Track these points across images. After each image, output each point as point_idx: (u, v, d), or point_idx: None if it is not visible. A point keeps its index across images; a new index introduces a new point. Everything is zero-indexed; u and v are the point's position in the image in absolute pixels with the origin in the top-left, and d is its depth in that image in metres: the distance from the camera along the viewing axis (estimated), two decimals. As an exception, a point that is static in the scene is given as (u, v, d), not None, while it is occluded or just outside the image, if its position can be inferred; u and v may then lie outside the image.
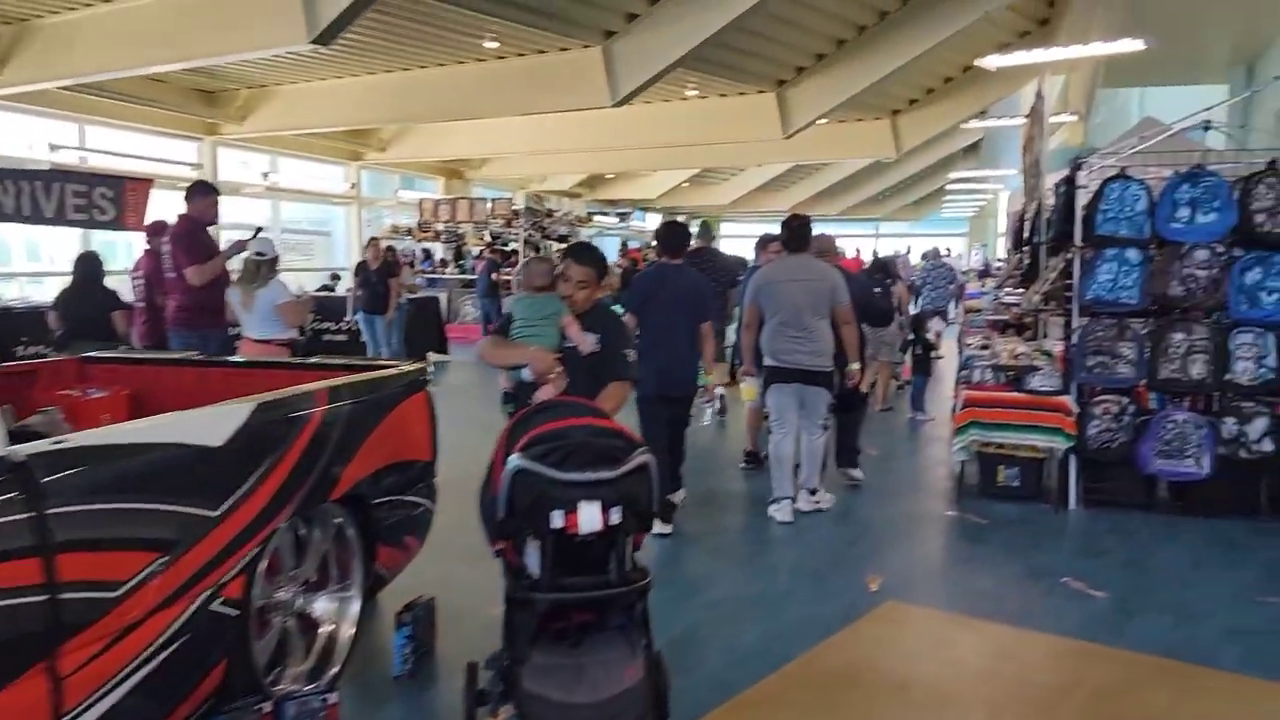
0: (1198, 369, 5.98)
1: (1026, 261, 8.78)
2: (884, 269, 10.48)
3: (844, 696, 3.61)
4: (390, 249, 11.81)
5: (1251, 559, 5.30)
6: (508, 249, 17.69)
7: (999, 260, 22.76)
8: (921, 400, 9.70)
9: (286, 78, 13.33)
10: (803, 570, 5.15)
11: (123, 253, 12.28)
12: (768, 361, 6.04)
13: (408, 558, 4.09)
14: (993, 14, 11.43)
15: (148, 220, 7.25)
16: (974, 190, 30.14)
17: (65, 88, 11.75)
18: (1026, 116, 10.27)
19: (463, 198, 18.81)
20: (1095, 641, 4.11)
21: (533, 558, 2.78)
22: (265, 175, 16.82)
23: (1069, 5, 12.23)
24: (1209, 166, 6.02)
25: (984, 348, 7.54)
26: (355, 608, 3.67)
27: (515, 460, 2.72)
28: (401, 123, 15.99)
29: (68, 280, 7.61)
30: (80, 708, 2.38)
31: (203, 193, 6.51)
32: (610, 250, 24.26)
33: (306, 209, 19.80)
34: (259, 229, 6.63)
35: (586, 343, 3.81)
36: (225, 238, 7.68)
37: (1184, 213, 5.95)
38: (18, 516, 2.23)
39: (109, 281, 7.73)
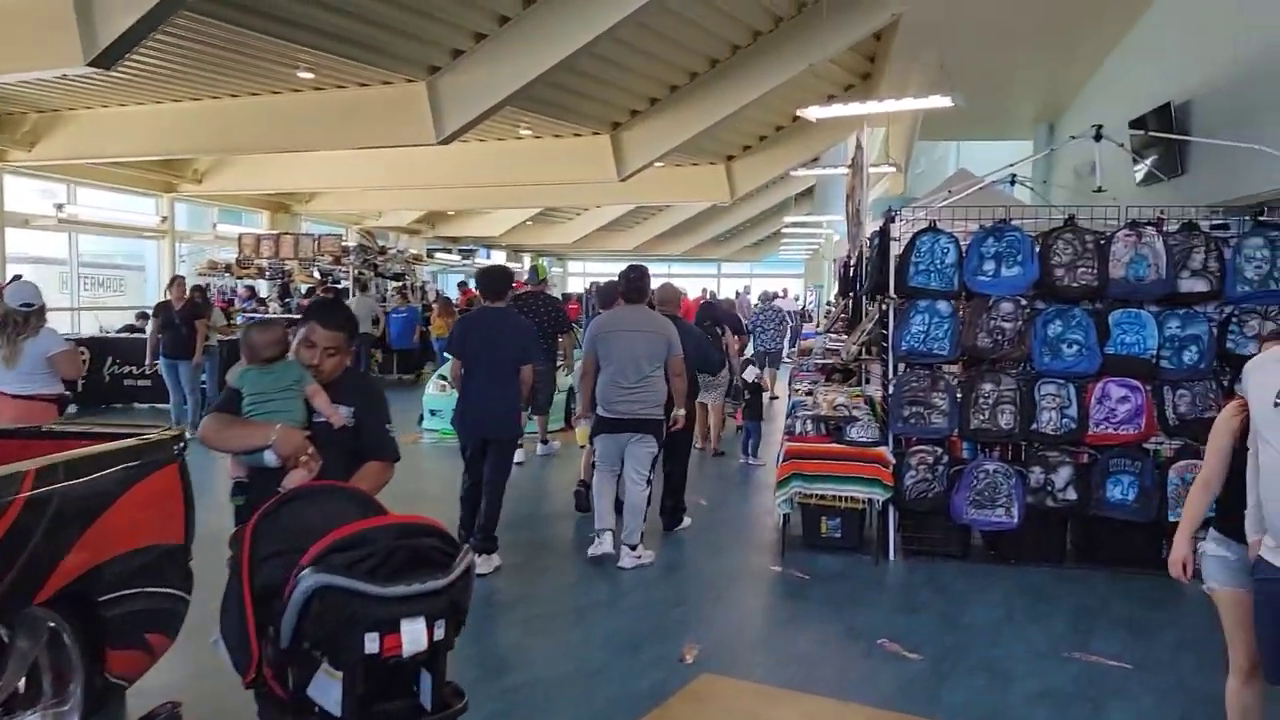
0: (1006, 419, 6.09)
1: (850, 307, 8.94)
2: (711, 314, 10.54)
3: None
4: (199, 288, 10.90)
5: (1058, 609, 5.36)
6: (340, 286, 16.88)
7: (827, 303, 23.54)
8: (751, 445, 9.67)
9: (80, 102, 12.25)
10: (619, 640, 4.84)
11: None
12: (600, 411, 6.04)
13: (151, 659, 3.53)
14: (819, 67, 11.74)
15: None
16: (809, 234, 31.20)
17: None
18: (848, 166, 10.54)
19: (287, 233, 17.83)
20: (910, 712, 3.98)
21: (327, 691, 2.30)
22: (59, 207, 15.42)
23: (887, 62, 12.72)
24: (1015, 220, 6.19)
25: (809, 394, 7.55)
26: (74, 727, 3.10)
27: (312, 578, 2.25)
28: (212, 153, 15.02)
29: None
30: None
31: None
32: (450, 289, 23.71)
33: (121, 243, 18.35)
34: (16, 276, 5.90)
35: (339, 416, 3.22)
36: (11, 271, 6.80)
37: (990, 266, 6.08)
38: None
39: None
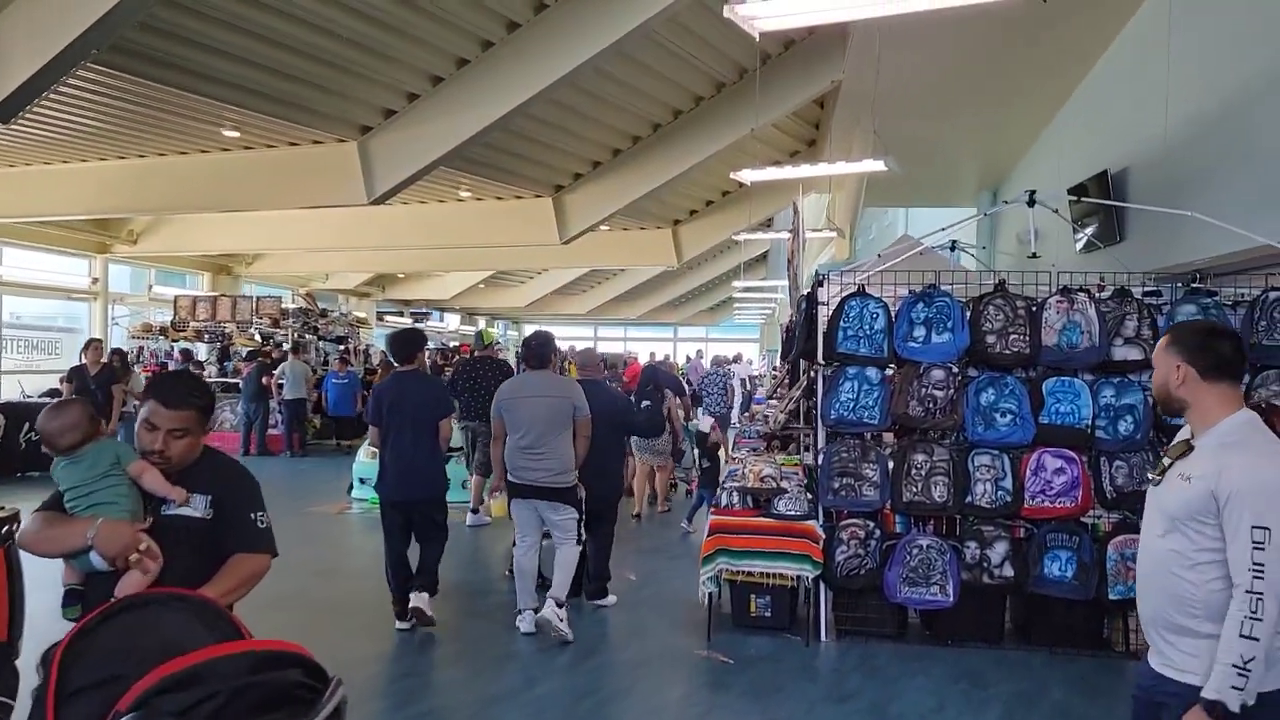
0: (939, 491, 5.84)
1: (790, 372, 8.72)
2: (654, 378, 10.35)
3: None
4: (118, 351, 10.44)
5: (995, 697, 5.04)
6: (283, 348, 16.44)
7: (774, 367, 23.45)
8: (693, 513, 9.36)
9: (3, 160, 11.86)
10: (518, 738, 4.44)
11: None
12: (509, 477, 5.95)
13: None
14: (764, 134, 11.74)
15: None
16: (763, 299, 31.32)
17: None
18: (790, 231, 10.43)
19: (225, 295, 17.38)
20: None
21: None
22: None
23: (830, 130, 12.77)
24: (948, 286, 6.01)
25: (740, 462, 7.25)
26: None
27: None
28: (139, 213, 14.60)
29: None
30: None
31: None
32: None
33: (63, 305, 17.80)
34: None
35: (180, 495, 2.75)
36: None
37: (920, 332, 5.89)
38: None
39: None
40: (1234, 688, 2.24)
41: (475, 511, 9.54)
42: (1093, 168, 8.95)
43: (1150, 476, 2.59)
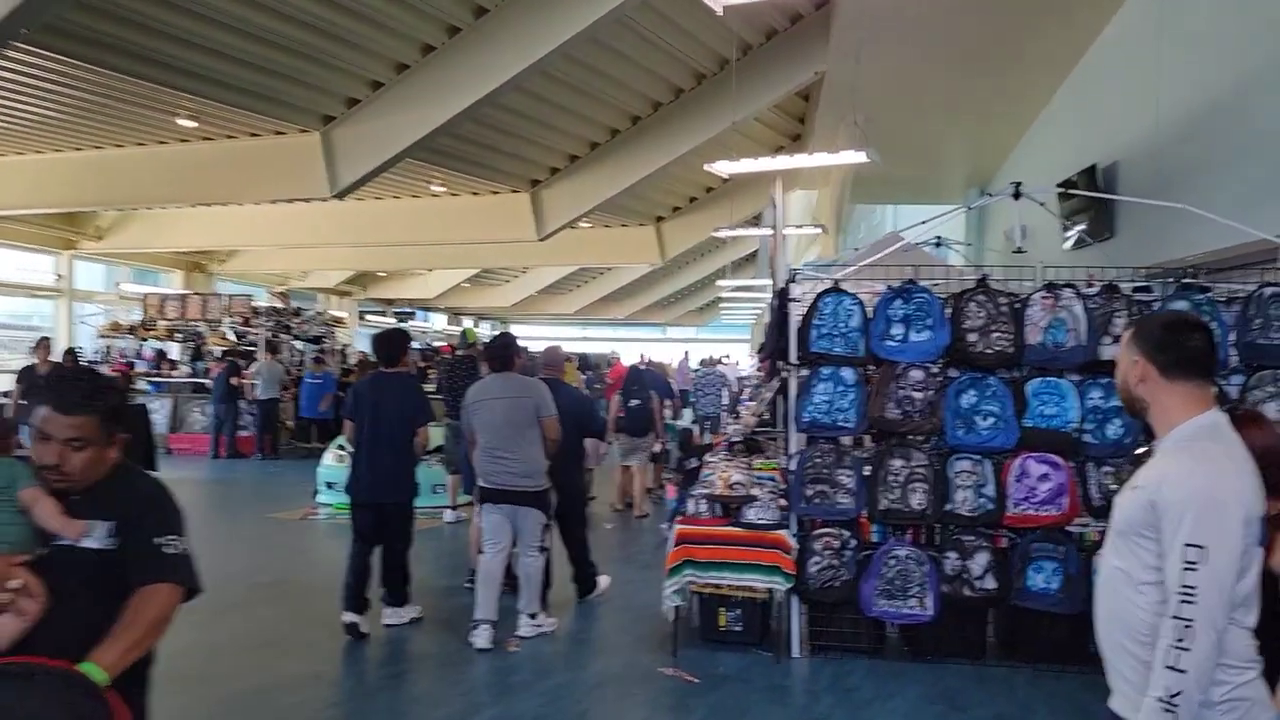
0: (918, 499, 5.50)
1: (770, 371, 8.40)
2: (638, 380, 10.24)
3: None
4: (70, 350, 10.05)
5: (974, 720, 4.71)
6: (253, 349, 16.04)
7: (756, 368, 23.12)
8: (673, 517, 9.02)
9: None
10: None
11: None
12: (479, 482, 5.88)
13: None
14: (748, 129, 11.44)
15: None
16: (754, 298, 31.03)
17: None
18: (770, 228, 10.11)
19: (196, 293, 16.97)
20: None
21: None
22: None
23: (814, 124, 12.46)
24: (927, 281, 5.69)
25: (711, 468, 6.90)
26: None
27: None
28: (95, 206, 14.07)
29: None
30: None
31: None
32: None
33: (38, 304, 17.39)
34: None
35: (75, 528, 2.31)
36: None
37: (898, 330, 5.55)
38: None
39: None
40: None
41: (455, 509, 9.55)
42: (1082, 162, 8.68)
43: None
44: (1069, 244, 8.85)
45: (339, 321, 19.23)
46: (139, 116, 9.46)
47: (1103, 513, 5.40)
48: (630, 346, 32.75)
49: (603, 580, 6.85)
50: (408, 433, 5.90)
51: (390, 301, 27.67)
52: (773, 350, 5.95)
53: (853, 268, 6.28)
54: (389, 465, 5.86)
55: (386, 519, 5.93)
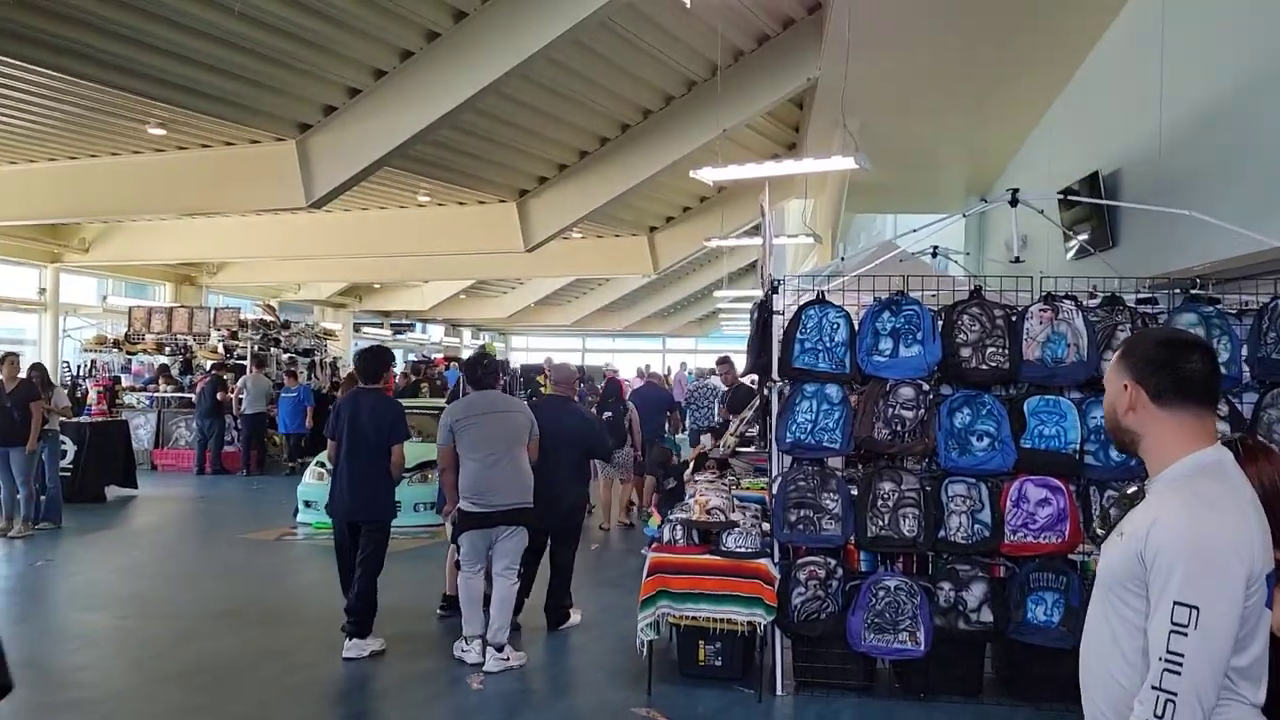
0: (909, 525, 5.15)
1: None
2: (616, 392, 10.06)
3: None
4: (37, 366, 9.76)
5: (968, 767, 4.36)
6: (244, 363, 15.73)
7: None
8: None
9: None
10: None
11: None
12: (465, 505, 5.64)
13: None
14: (740, 137, 11.15)
15: None
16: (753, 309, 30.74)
17: None
18: (760, 237, 9.82)
19: (182, 306, 16.69)
20: None
21: None
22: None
23: (807, 132, 12.17)
24: (919, 293, 5.36)
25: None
26: None
27: None
28: (68, 218, 13.70)
29: None
30: None
31: None
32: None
33: (28, 317, 17.10)
34: None
35: None
36: None
37: (886, 344, 5.22)
38: None
39: None
40: None
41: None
42: (1083, 169, 8.39)
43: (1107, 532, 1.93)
44: (1071, 254, 8.55)
45: (330, 334, 18.92)
46: (110, 125, 9.20)
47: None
48: (629, 358, 32.45)
49: (574, 615, 6.58)
50: (383, 450, 5.83)
51: (387, 313, 27.40)
52: (753, 365, 5.62)
53: (843, 278, 5.97)
54: (363, 482, 5.81)
55: (361, 538, 5.86)
